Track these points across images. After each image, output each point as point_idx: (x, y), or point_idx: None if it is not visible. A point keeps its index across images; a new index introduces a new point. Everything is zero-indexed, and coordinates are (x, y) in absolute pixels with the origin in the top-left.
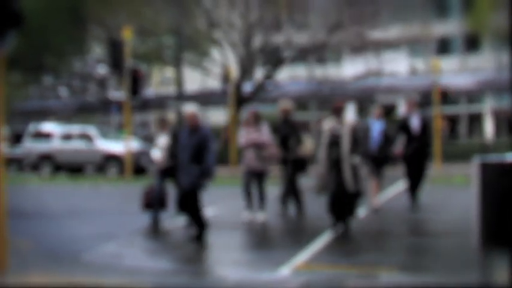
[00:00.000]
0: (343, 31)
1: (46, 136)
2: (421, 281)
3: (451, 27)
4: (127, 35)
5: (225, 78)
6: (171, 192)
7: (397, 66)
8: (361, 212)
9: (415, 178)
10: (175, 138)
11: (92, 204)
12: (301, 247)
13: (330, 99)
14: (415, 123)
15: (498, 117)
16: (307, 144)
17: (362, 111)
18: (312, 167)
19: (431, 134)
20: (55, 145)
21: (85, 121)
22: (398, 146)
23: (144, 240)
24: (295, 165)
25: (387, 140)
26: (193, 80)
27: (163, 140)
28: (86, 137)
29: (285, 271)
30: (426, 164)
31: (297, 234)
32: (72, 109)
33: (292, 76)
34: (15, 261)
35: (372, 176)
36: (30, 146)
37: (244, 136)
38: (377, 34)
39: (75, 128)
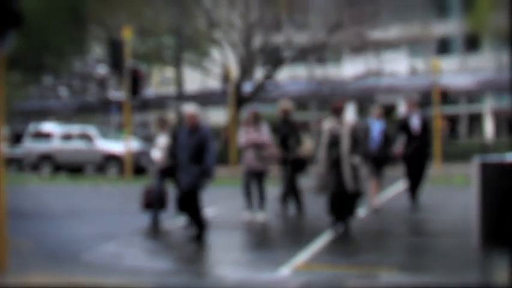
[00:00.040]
0: (343, 31)
1: (46, 136)
2: (421, 281)
3: (451, 27)
4: (127, 35)
5: (225, 78)
6: (171, 192)
7: (397, 66)
8: (361, 212)
9: (415, 178)
10: (175, 139)
11: (92, 204)
12: (301, 247)
13: (330, 99)
14: (415, 123)
15: (498, 117)
16: (307, 145)
17: (362, 111)
18: (312, 167)
19: (431, 134)
20: (55, 145)
21: (85, 121)
22: (399, 145)
23: (144, 240)
24: (295, 166)
25: (387, 140)
26: (193, 80)
27: (163, 140)
28: (86, 137)
29: (285, 271)
30: (427, 164)
31: (297, 234)
32: (72, 109)
33: (292, 76)
34: (15, 261)
35: (372, 176)
36: (30, 146)
37: (244, 136)
38: (377, 34)
39: (75, 128)
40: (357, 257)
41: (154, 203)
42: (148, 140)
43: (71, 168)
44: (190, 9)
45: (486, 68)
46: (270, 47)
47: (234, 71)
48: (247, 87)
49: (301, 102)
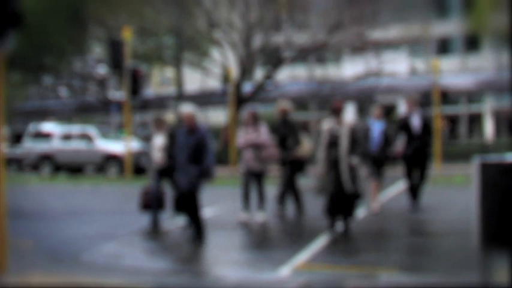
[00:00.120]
0: (343, 31)
1: (46, 136)
2: (421, 281)
3: (451, 27)
4: (127, 35)
5: (225, 78)
6: (169, 192)
7: (397, 66)
8: (361, 212)
9: (416, 178)
10: (172, 139)
11: (92, 204)
12: (301, 247)
13: (330, 99)
14: (415, 122)
15: (498, 117)
16: (305, 145)
17: (362, 111)
18: (311, 167)
19: (432, 134)
20: (55, 145)
21: (85, 121)
22: (399, 145)
23: (144, 240)
24: (294, 166)
25: (387, 140)
26: (193, 80)
27: (159, 141)
28: (86, 137)
29: (285, 271)
30: (428, 164)
31: (297, 235)
32: (72, 109)
33: (292, 76)
34: (15, 261)
35: (372, 177)
36: (30, 146)
37: (242, 136)
38: (377, 34)
39: (75, 128)
40: (357, 257)
41: (152, 203)
42: (148, 140)
43: (71, 168)
44: (190, 9)
45: (486, 68)
46: (270, 47)
47: (234, 71)
48: (247, 87)
49: (301, 102)
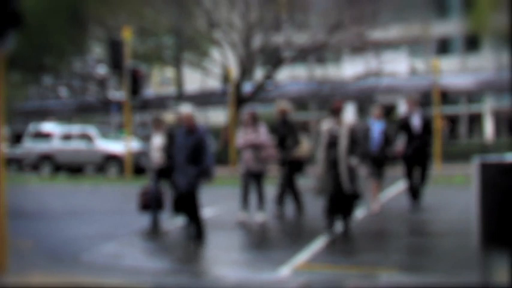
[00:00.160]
0: (343, 31)
1: (46, 136)
2: (421, 281)
3: (451, 27)
4: (127, 35)
5: (225, 78)
6: (168, 192)
7: (397, 66)
8: (361, 212)
9: (417, 178)
10: (171, 139)
11: (92, 204)
12: (301, 247)
13: (329, 99)
14: (416, 122)
15: (498, 117)
16: (304, 145)
17: (362, 111)
18: (310, 167)
19: (433, 133)
20: (55, 145)
21: (85, 121)
22: (399, 144)
23: (144, 241)
24: (292, 166)
25: (387, 140)
26: (193, 80)
27: (157, 141)
28: (86, 137)
29: (285, 271)
30: (428, 164)
31: (297, 235)
32: (72, 109)
33: (292, 76)
34: (15, 261)
35: (372, 177)
36: (30, 146)
37: (242, 137)
38: (377, 34)
39: (75, 128)
40: (357, 257)
41: (151, 204)
42: (148, 140)
43: (71, 168)
44: (190, 9)
45: (486, 68)
46: (270, 47)
47: (234, 71)
48: (247, 87)
49: (301, 102)
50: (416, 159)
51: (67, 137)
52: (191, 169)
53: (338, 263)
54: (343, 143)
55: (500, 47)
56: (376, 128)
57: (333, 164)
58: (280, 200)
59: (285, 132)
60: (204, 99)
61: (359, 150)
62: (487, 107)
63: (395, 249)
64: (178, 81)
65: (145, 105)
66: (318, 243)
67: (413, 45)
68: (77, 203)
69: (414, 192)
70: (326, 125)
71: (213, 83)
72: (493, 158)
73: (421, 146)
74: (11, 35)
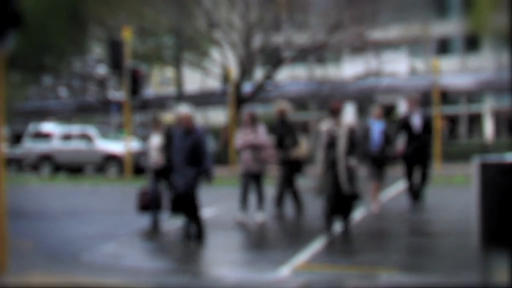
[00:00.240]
0: (343, 31)
1: (46, 136)
2: (421, 281)
3: (451, 27)
4: (127, 35)
5: (225, 78)
6: (167, 192)
7: (397, 66)
8: (361, 212)
9: (417, 178)
10: (169, 139)
11: (92, 204)
12: (301, 247)
13: (329, 100)
14: (416, 122)
15: (498, 117)
16: (303, 146)
17: (362, 111)
18: (309, 167)
19: (433, 133)
20: (55, 145)
21: (85, 121)
22: (400, 144)
23: (144, 241)
24: (291, 167)
25: (387, 140)
26: (193, 80)
27: (156, 141)
28: (85, 137)
29: (285, 271)
30: (429, 164)
31: (297, 235)
32: (72, 109)
33: (292, 76)
34: (15, 261)
35: (372, 178)
36: (30, 146)
37: (241, 137)
38: (377, 34)
39: (75, 128)
40: (357, 257)
41: (150, 204)
42: (147, 140)
43: (71, 168)
44: (190, 9)
45: (486, 68)
46: (270, 47)
47: (234, 71)
48: (247, 88)
49: (301, 103)
50: (417, 159)
51: (67, 137)
52: (189, 170)
53: (338, 263)
54: (342, 144)
55: (500, 47)
56: (376, 128)
57: (332, 165)
58: (279, 201)
59: (284, 132)
60: (204, 99)
61: (358, 150)
62: (487, 107)
63: (395, 249)
64: (178, 81)
65: (145, 105)
66: (318, 243)
67: (413, 45)
68: (77, 203)
69: (415, 192)
70: (325, 125)
71: (213, 83)
72: (493, 158)
73: (422, 146)
74: (11, 35)
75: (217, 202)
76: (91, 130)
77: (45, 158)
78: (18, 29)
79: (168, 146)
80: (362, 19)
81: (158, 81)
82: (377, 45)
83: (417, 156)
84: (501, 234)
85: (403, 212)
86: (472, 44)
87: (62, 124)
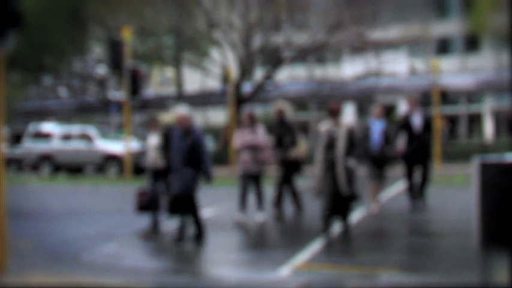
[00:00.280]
0: (343, 31)
1: (46, 136)
2: (421, 281)
3: (451, 27)
4: (127, 35)
5: (225, 78)
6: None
7: (397, 66)
8: (361, 212)
9: (417, 178)
10: (167, 140)
11: (92, 204)
12: (301, 247)
13: (329, 100)
14: (417, 121)
15: (498, 117)
16: (301, 146)
17: (362, 111)
18: (308, 168)
19: (433, 132)
20: (55, 145)
21: (85, 121)
22: (400, 144)
23: (144, 241)
24: (290, 167)
25: (388, 139)
26: (193, 80)
27: (153, 140)
28: (85, 137)
29: (285, 271)
30: (429, 163)
31: (297, 235)
32: (72, 109)
33: (292, 76)
34: (15, 261)
35: (372, 178)
36: (30, 146)
37: (239, 138)
38: (377, 34)
39: (75, 128)
40: (357, 257)
41: (148, 205)
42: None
43: (71, 168)
44: (190, 9)
45: (486, 68)
46: (270, 47)
47: (234, 71)
48: (247, 88)
49: (301, 103)
50: (417, 159)
51: (67, 137)
52: (187, 171)
53: (338, 263)
54: (340, 145)
55: (500, 47)
56: (377, 127)
57: (331, 165)
58: (277, 202)
59: (282, 132)
60: (204, 99)
61: (357, 151)
62: (487, 107)
63: (395, 249)
64: (178, 81)
65: (145, 105)
66: (318, 244)
67: (413, 45)
68: (77, 203)
69: (415, 192)
70: (324, 126)
71: (213, 83)
72: (493, 158)
73: (422, 146)
74: (11, 35)
75: (217, 202)
76: (91, 130)
77: (45, 158)
78: (18, 29)
79: (166, 146)
80: (362, 19)
81: (158, 81)
82: (377, 45)
83: (417, 156)
84: (501, 234)
85: (403, 212)
86: (472, 44)
87: (62, 124)
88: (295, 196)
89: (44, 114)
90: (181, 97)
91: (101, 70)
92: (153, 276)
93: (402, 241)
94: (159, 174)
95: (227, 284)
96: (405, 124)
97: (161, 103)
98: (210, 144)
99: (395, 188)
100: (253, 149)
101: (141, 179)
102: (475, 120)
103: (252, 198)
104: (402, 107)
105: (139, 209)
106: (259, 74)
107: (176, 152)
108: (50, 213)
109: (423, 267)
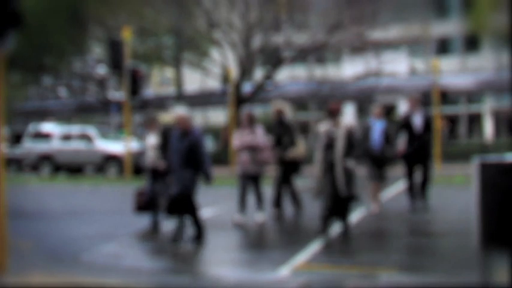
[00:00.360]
0: (343, 31)
1: (46, 136)
2: (421, 281)
3: (451, 27)
4: (127, 35)
5: (225, 78)
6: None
7: (397, 66)
8: (361, 212)
9: (417, 178)
10: (165, 140)
11: (92, 204)
12: (301, 247)
13: (329, 100)
14: (417, 121)
15: (498, 117)
16: (300, 146)
17: (362, 111)
18: (307, 168)
19: (433, 132)
20: (55, 145)
21: (85, 121)
22: (401, 144)
23: (144, 241)
24: (289, 167)
25: (388, 139)
26: (193, 80)
27: (152, 140)
28: (85, 137)
29: (285, 271)
30: (430, 163)
31: (297, 235)
32: (72, 109)
33: (292, 76)
34: (15, 261)
35: (372, 178)
36: (30, 146)
37: (238, 138)
38: (377, 34)
39: (75, 128)
40: (357, 257)
41: (146, 205)
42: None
43: (71, 168)
44: (190, 9)
45: (486, 68)
46: (270, 47)
47: (234, 71)
48: (247, 88)
49: (301, 103)
50: (417, 159)
51: (67, 137)
52: (186, 172)
53: (338, 263)
54: (339, 145)
55: (500, 47)
56: (377, 127)
57: (330, 166)
58: (276, 202)
59: (281, 132)
60: (203, 99)
61: (356, 152)
62: (487, 107)
63: (395, 249)
64: (178, 81)
65: (145, 105)
66: (318, 244)
67: (413, 45)
68: (77, 203)
69: (415, 192)
70: (324, 126)
71: (213, 83)
72: (493, 158)
73: (422, 146)
74: (11, 35)
75: (216, 202)
76: (91, 130)
77: (45, 158)
78: (18, 29)
79: (164, 147)
80: (362, 19)
81: (158, 81)
82: (377, 45)
83: (418, 156)
84: (501, 234)
85: (403, 212)
86: (472, 44)
87: (62, 124)
88: (295, 196)
89: (44, 114)
90: (181, 97)
91: (101, 70)
92: (153, 276)
93: (402, 241)
94: (158, 174)
95: (227, 284)
96: (406, 124)
97: (161, 103)
98: (209, 145)
99: (395, 188)
100: (252, 149)
101: (141, 179)
102: (475, 120)
103: (251, 198)
104: (402, 107)
105: (138, 209)
106: (259, 74)
107: (174, 152)
108: (50, 213)
109: (423, 267)
